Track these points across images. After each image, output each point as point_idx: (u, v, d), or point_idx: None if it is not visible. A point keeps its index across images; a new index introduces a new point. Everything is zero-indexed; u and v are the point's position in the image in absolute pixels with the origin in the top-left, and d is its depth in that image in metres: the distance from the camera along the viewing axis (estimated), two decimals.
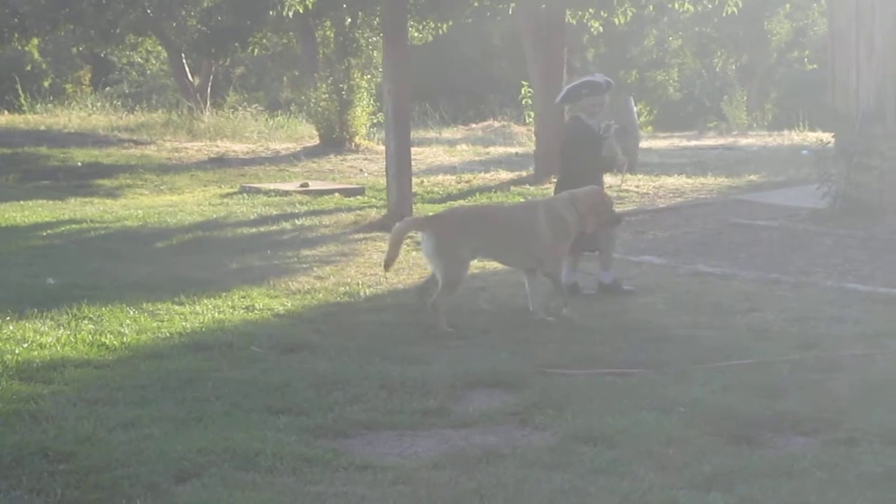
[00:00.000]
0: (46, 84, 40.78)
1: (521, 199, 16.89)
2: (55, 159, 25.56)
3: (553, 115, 21.00)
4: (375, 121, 27.66)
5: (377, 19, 27.02)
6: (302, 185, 20.67)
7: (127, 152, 26.85)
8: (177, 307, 10.01)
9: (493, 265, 12.67)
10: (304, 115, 31.73)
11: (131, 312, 9.67)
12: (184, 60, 34.80)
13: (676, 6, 23.98)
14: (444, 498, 5.62)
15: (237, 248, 13.94)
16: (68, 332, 8.86)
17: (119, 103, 35.14)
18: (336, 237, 14.95)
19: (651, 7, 25.65)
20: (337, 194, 19.70)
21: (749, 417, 6.76)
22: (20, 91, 34.51)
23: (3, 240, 14.50)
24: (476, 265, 12.69)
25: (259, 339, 8.75)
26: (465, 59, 45.19)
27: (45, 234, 15.33)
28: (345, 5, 28.25)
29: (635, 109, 24.12)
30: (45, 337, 8.67)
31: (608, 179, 13.50)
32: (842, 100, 15.54)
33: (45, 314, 9.45)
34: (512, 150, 27.88)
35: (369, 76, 28.39)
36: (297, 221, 16.23)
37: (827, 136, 16.81)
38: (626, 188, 18.50)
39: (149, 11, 31.65)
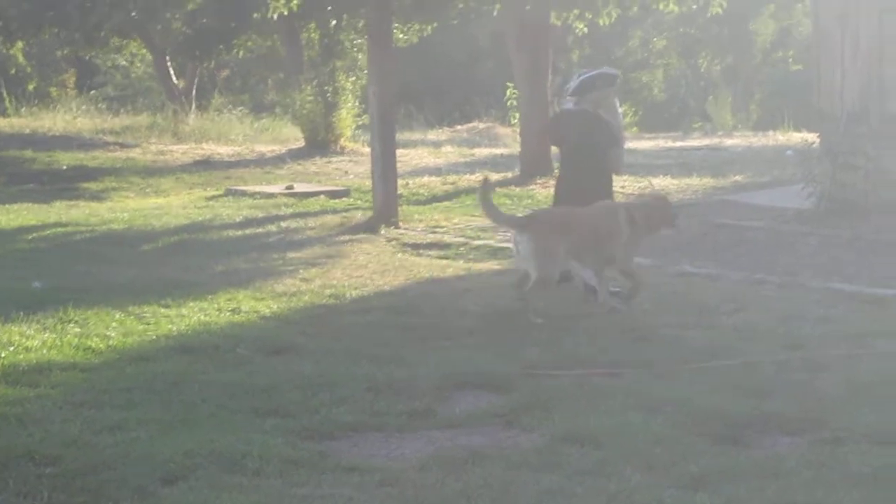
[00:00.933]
0: (31, 87, 40.62)
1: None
2: (40, 162, 25.51)
3: (538, 117, 21.05)
4: (360, 123, 27.63)
5: (362, 21, 26.97)
6: (287, 188, 20.66)
7: (112, 155, 26.80)
8: (163, 310, 9.99)
9: (479, 266, 12.70)
10: (289, 117, 31.66)
11: (117, 315, 9.64)
12: (168, 63, 34.70)
13: (661, 6, 24.01)
14: (430, 499, 5.61)
15: (223, 251, 13.93)
16: (54, 336, 8.83)
17: (104, 106, 35.02)
18: (322, 239, 14.94)
19: (635, 8, 25.63)
20: (322, 196, 19.69)
21: (736, 417, 6.77)
22: (5, 94, 34.38)
23: None
24: (461, 267, 12.72)
25: (245, 342, 8.74)
26: (450, 60, 45.14)
27: (30, 237, 15.30)
28: (329, 7, 28.20)
29: (620, 110, 24.08)
30: (31, 340, 8.63)
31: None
32: (826, 100, 15.57)
33: (30, 317, 9.41)
34: (497, 151, 27.86)
35: (354, 78, 28.35)
36: (282, 224, 16.22)
37: (812, 137, 16.85)
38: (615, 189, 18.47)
39: (133, 14, 31.55)
